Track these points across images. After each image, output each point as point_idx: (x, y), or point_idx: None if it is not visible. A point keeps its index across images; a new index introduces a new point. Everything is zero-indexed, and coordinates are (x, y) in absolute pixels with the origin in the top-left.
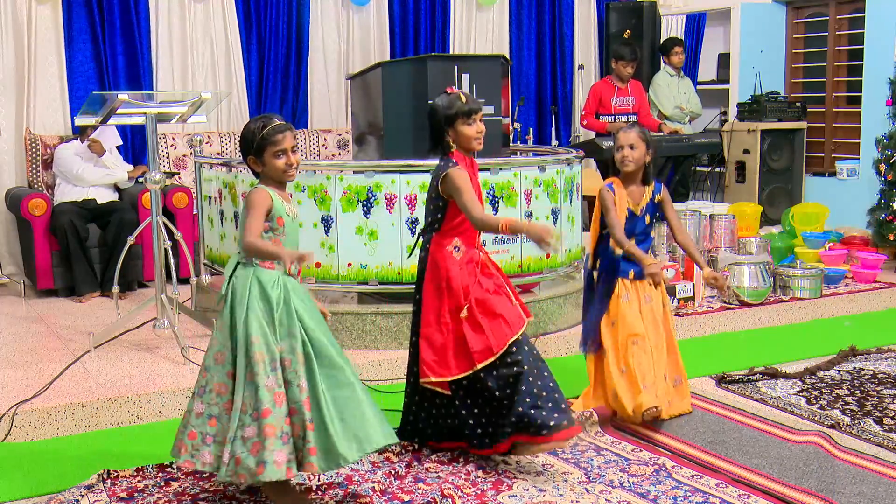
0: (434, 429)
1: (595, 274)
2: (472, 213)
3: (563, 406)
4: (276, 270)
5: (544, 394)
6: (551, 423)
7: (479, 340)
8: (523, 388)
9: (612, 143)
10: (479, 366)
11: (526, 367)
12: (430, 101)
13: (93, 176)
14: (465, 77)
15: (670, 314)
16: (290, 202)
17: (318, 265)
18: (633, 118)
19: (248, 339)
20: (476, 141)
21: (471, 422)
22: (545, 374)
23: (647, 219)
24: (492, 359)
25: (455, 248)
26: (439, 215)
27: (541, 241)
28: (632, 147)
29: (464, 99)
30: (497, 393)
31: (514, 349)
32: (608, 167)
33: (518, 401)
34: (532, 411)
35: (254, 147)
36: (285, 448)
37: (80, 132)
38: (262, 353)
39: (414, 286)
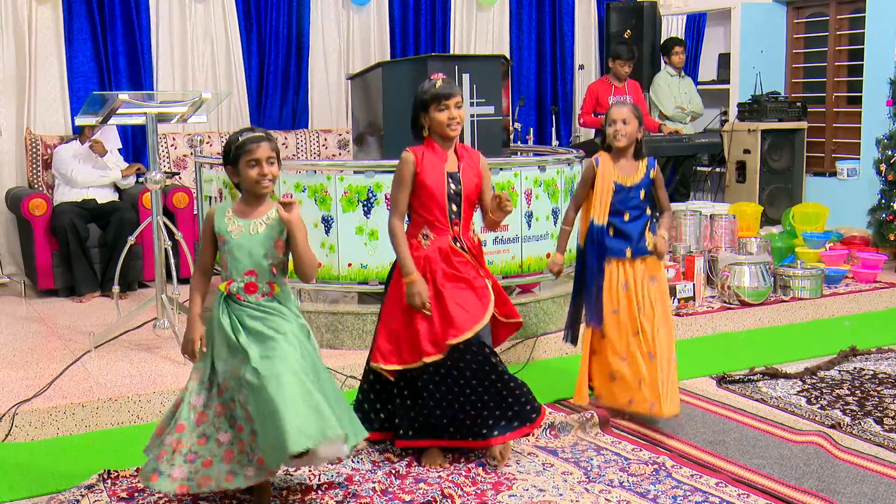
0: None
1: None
2: (391, 212)
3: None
4: (219, 289)
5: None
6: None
7: (428, 335)
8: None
9: None
10: (427, 360)
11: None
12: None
13: (85, 178)
14: (466, 77)
15: (667, 291)
16: (260, 216)
17: (318, 265)
18: None
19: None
20: (449, 128)
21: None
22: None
23: (642, 194)
24: (437, 357)
25: (423, 236)
26: (408, 202)
27: (410, 303)
28: (624, 122)
29: (439, 83)
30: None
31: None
32: None
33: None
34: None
35: (230, 157)
36: (185, 466)
37: (79, 132)
38: (199, 372)
39: None
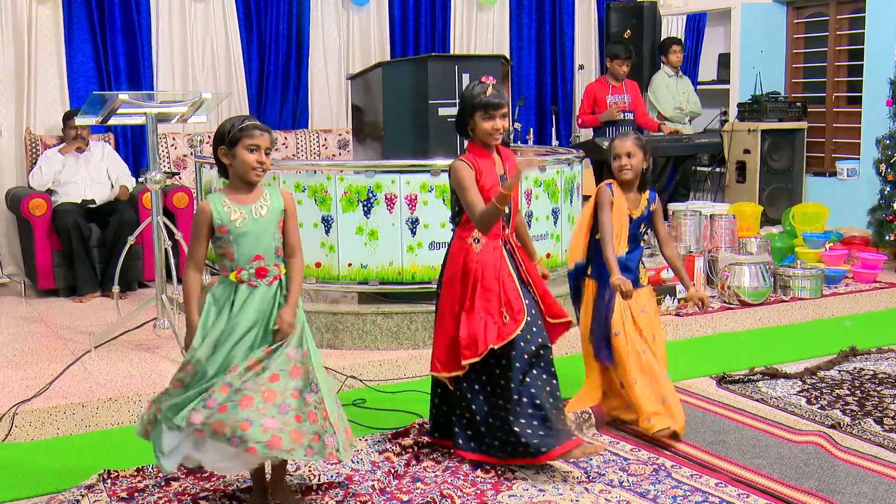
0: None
1: (588, 281)
2: (472, 215)
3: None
4: (229, 278)
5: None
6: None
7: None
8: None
9: None
10: (464, 362)
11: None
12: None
13: (36, 183)
14: (466, 77)
15: (661, 326)
16: (257, 200)
17: (318, 265)
18: (630, 115)
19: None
20: (491, 137)
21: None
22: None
23: (643, 226)
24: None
25: (475, 239)
26: (457, 207)
27: (529, 168)
28: (629, 155)
29: (489, 92)
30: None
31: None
32: (603, 168)
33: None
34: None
35: (228, 137)
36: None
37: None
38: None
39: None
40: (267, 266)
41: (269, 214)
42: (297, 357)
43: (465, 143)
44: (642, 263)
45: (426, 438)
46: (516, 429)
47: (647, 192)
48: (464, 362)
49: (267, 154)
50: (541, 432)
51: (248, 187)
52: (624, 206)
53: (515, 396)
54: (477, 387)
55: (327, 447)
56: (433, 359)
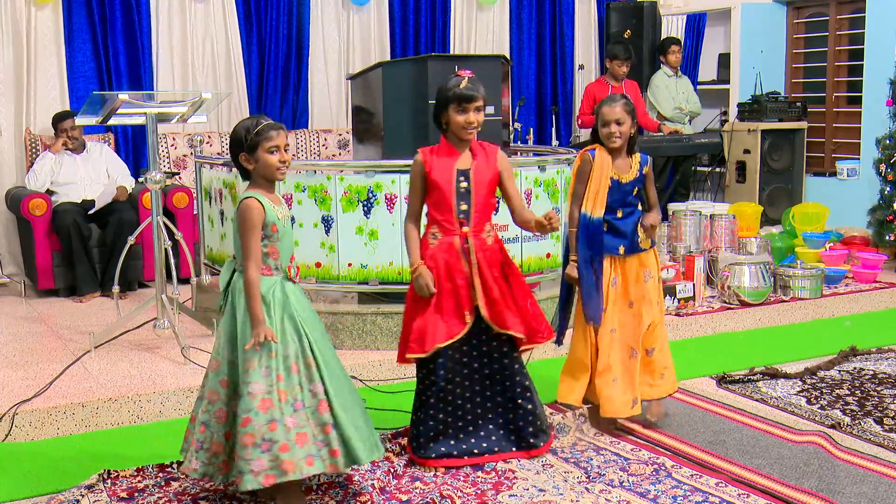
0: None
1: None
2: (406, 212)
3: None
4: (274, 276)
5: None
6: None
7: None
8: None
9: None
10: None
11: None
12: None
13: (31, 185)
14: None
15: (660, 290)
16: (281, 203)
17: (318, 265)
18: None
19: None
20: (465, 130)
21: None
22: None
23: (636, 190)
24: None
25: (433, 235)
26: (421, 204)
27: (419, 292)
28: (618, 122)
29: (463, 84)
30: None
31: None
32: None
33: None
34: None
35: (247, 143)
36: (264, 456)
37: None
38: (253, 361)
39: None
40: (299, 266)
41: (289, 215)
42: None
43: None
44: (642, 225)
45: None
46: (421, 428)
47: (639, 156)
48: (408, 355)
49: (287, 150)
50: (440, 437)
51: (272, 187)
52: (607, 169)
53: (442, 399)
54: (420, 379)
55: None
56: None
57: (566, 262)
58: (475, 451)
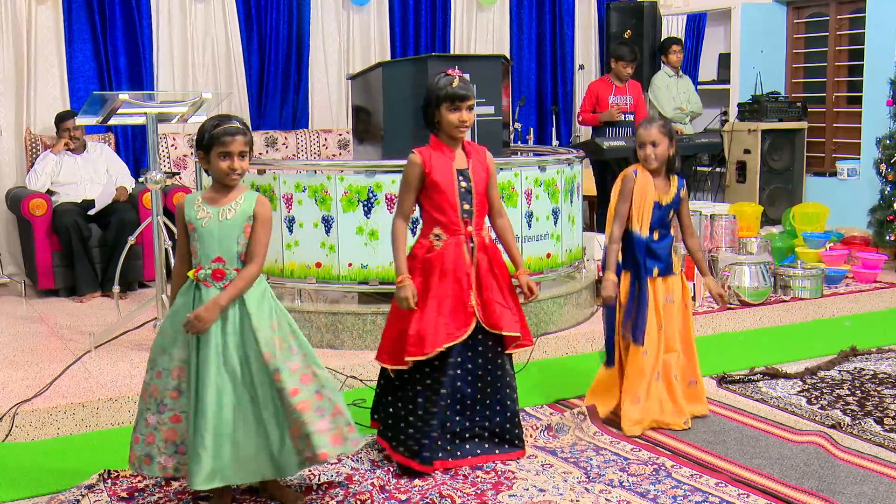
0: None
1: (623, 272)
2: (397, 211)
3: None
4: (190, 279)
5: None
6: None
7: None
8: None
9: (611, 143)
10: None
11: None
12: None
13: (32, 185)
14: (466, 77)
15: (691, 314)
16: (228, 203)
17: (318, 265)
18: (631, 116)
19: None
20: (458, 129)
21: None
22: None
23: (672, 213)
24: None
25: (435, 236)
26: (415, 204)
27: (399, 304)
28: (654, 144)
29: (455, 83)
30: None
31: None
32: (606, 168)
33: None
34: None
35: (203, 143)
36: (136, 447)
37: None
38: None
39: None
40: (226, 269)
41: (235, 218)
42: (300, 366)
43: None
44: (675, 250)
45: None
46: (425, 430)
47: (676, 179)
48: (407, 359)
49: (242, 157)
50: (438, 442)
51: (226, 189)
52: (650, 189)
53: (443, 402)
54: (412, 383)
55: (356, 433)
56: (379, 348)
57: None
58: (477, 451)
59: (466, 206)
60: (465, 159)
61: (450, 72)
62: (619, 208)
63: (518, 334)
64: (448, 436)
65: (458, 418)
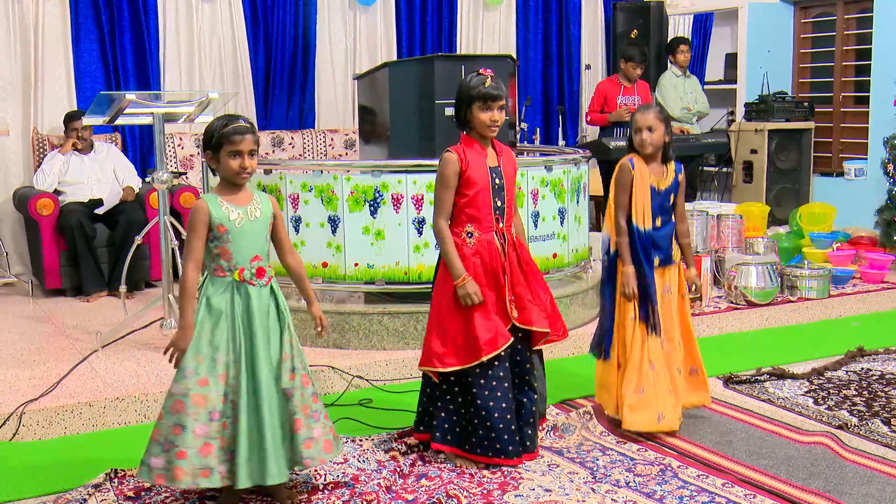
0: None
1: (619, 262)
2: (437, 209)
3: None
4: (227, 277)
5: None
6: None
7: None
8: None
9: (618, 143)
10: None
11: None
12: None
13: (40, 185)
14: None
15: (688, 304)
16: (249, 203)
17: (324, 265)
18: None
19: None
20: (489, 128)
21: (442, 415)
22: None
23: (672, 198)
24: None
25: (468, 234)
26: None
27: (462, 301)
28: (650, 129)
29: (487, 83)
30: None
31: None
32: (612, 168)
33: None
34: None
35: (212, 143)
36: (163, 456)
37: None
38: (185, 359)
39: (422, 285)
40: (264, 266)
41: (262, 217)
42: (301, 367)
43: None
44: (675, 238)
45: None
46: (500, 425)
47: (673, 164)
48: (484, 358)
49: (251, 155)
50: (516, 437)
51: (238, 188)
52: (647, 178)
53: (501, 395)
54: (469, 384)
55: (339, 438)
56: (429, 354)
57: (610, 275)
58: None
59: (499, 203)
60: (496, 157)
61: (482, 71)
62: (620, 199)
63: (547, 330)
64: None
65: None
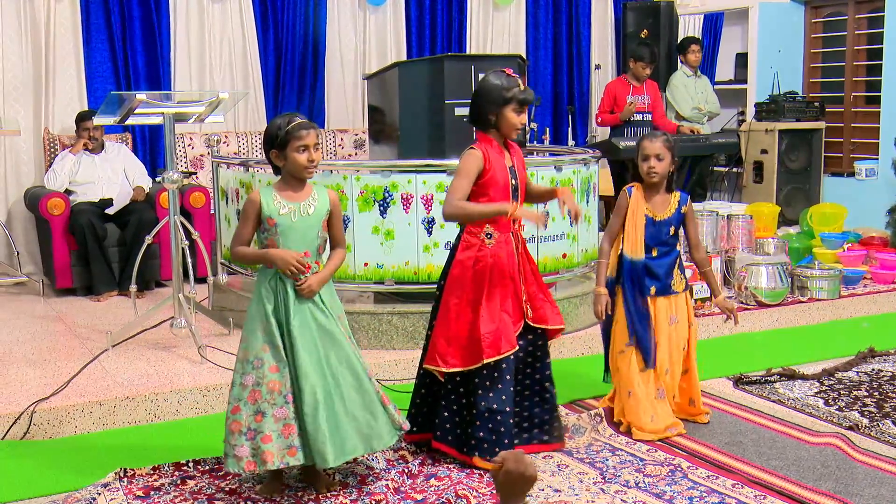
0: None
1: (617, 287)
2: (450, 197)
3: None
4: (273, 269)
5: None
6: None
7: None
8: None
9: (628, 143)
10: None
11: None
12: (483, 77)
13: (51, 185)
14: (482, 77)
15: (695, 337)
16: (306, 199)
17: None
18: (649, 116)
19: (242, 336)
20: (516, 131)
21: (445, 414)
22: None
23: (672, 230)
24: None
25: (487, 234)
26: (468, 199)
27: (534, 221)
28: (658, 158)
29: (522, 86)
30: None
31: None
32: (623, 168)
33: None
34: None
35: (277, 141)
36: (248, 444)
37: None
38: (246, 352)
39: (431, 285)
40: (311, 262)
41: (315, 213)
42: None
43: (475, 132)
44: (679, 269)
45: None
46: (502, 429)
47: (678, 194)
48: (486, 360)
49: (316, 149)
50: (514, 442)
51: (300, 184)
52: (641, 208)
53: (506, 398)
54: (473, 384)
55: None
56: (433, 353)
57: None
58: (526, 441)
59: (514, 203)
60: (510, 157)
61: (509, 72)
62: (611, 222)
63: (563, 326)
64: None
65: (515, 410)
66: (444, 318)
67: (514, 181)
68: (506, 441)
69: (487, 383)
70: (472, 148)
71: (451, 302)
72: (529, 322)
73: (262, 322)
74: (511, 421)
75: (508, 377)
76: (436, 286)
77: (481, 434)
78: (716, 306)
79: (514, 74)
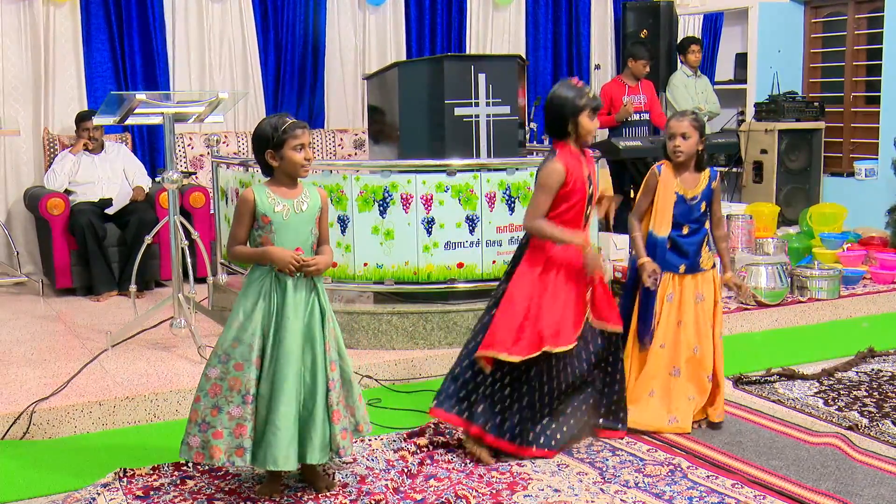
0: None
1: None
2: (531, 211)
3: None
4: (267, 266)
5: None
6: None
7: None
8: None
9: (627, 143)
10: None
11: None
12: (554, 88)
13: (51, 185)
14: (482, 77)
15: (720, 315)
16: (297, 196)
17: (333, 265)
18: (646, 116)
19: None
20: (592, 137)
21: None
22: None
23: (703, 206)
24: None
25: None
26: (544, 208)
27: (590, 270)
28: (684, 136)
29: (591, 94)
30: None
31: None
32: (623, 168)
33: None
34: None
35: (273, 141)
36: (199, 436)
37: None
38: (217, 345)
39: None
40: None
41: (308, 210)
42: (338, 359)
43: (552, 143)
44: (708, 246)
45: (441, 438)
46: (545, 421)
47: (708, 171)
48: (546, 348)
49: (311, 148)
50: (547, 431)
51: (293, 182)
52: (671, 186)
53: (553, 389)
54: (527, 374)
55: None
56: (492, 341)
57: (633, 271)
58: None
59: (588, 210)
60: (586, 165)
61: (577, 83)
62: (639, 202)
63: (621, 330)
64: (556, 423)
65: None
66: (507, 308)
67: (590, 188)
68: (548, 432)
69: (543, 377)
70: (557, 161)
71: (515, 293)
72: (591, 322)
73: (239, 319)
74: (552, 412)
75: (562, 370)
76: (499, 281)
77: (518, 418)
78: (725, 284)
79: (581, 83)
